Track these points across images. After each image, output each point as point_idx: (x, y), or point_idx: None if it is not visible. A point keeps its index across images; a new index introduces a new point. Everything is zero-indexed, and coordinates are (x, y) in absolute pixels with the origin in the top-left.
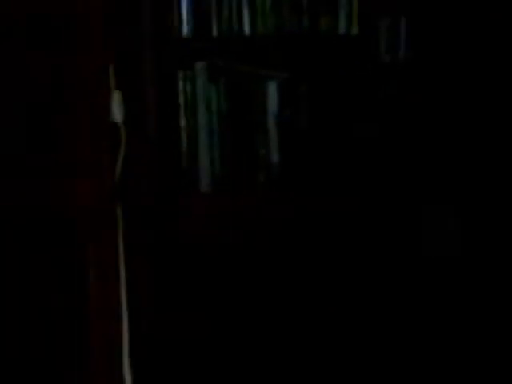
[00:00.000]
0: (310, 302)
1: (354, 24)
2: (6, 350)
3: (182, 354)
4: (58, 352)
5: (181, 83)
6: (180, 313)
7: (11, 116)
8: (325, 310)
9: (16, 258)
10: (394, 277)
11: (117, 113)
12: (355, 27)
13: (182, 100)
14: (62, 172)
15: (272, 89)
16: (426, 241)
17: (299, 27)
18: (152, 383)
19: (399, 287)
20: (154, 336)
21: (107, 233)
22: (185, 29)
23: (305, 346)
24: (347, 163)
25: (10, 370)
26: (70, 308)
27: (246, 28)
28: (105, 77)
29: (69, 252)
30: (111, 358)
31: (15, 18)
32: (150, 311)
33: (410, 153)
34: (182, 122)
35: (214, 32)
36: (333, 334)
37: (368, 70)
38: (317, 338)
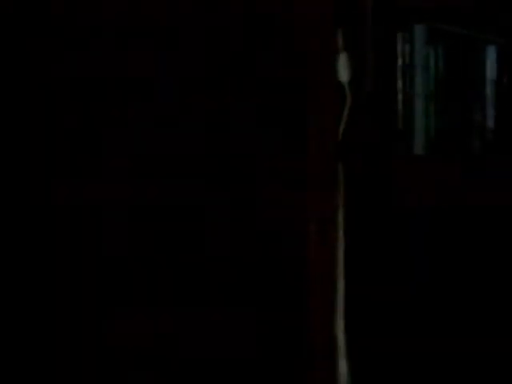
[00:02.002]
0: None
1: None
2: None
3: (395, 315)
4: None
5: (399, 45)
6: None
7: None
8: None
9: None
10: None
11: (343, 74)
12: None
13: (399, 62)
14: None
15: (491, 54)
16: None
17: None
18: (365, 342)
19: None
20: (368, 297)
21: (329, 192)
22: None
23: None
24: None
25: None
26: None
27: None
28: (333, 38)
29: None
30: (327, 317)
31: None
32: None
33: None
34: (399, 84)
35: None
36: None
37: None
38: None
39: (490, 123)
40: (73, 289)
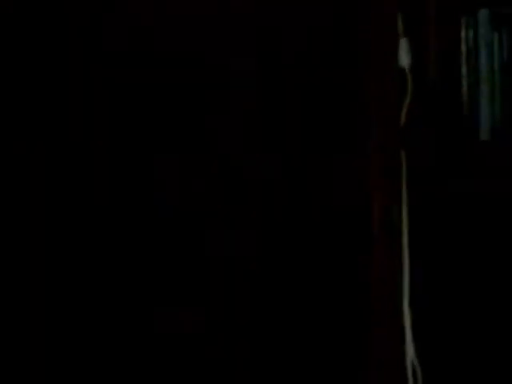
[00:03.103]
0: None
1: None
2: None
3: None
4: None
5: (463, 30)
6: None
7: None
8: None
9: None
10: None
11: (404, 59)
12: None
13: (463, 47)
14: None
15: None
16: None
17: None
18: (431, 330)
19: None
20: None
21: (391, 179)
22: None
23: None
24: None
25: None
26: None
27: None
28: (393, 24)
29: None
30: (391, 305)
31: None
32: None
33: None
34: (463, 70)
35: None
36: None
37: None
38: None
39: None
40: None
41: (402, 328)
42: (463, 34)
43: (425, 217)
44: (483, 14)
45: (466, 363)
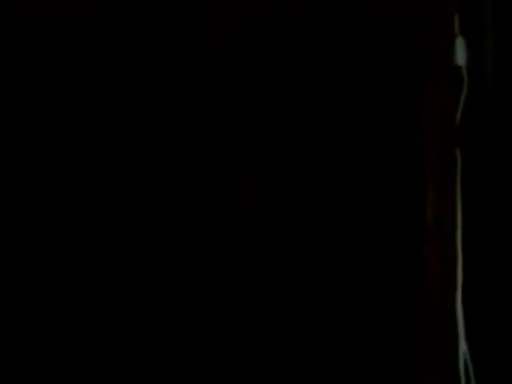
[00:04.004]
0: None
1: None
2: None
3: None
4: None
5: None
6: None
7: None
8: None
9: None
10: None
11: (460, 57)
12: None
13: None
14: None
15: None
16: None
17: None
18: (482, 316)
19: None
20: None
21: (447, 176)
22: None
23: None
24: None
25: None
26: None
27: None
28: (451, 23)
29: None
30: (445, 294)
31: None
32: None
33: None
34: None
35: None
36: None
37: None
38: None
39: None
40: None
41: (455, 322)
42: None
43: (478, 213)
44: None
45: None
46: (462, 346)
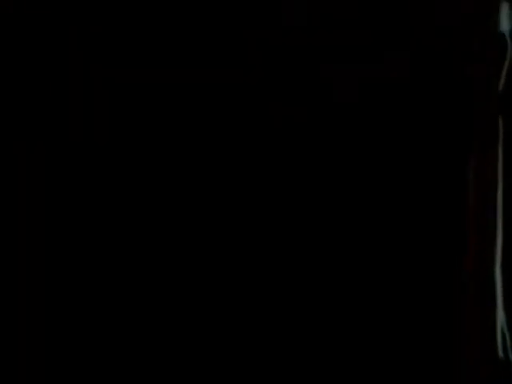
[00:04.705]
0: None
1: None
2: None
3: None
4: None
5: None
6: None
7: None
8: None
9: None
10: None
11: (504, 23)
12: None
13: None
14: None
15: None
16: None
17: None
18: None
19: None
20: None
21: (489, 144)
22: None
23: None
24: None
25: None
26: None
27: None
28: None
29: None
30: (484, 272)
31: None
32: None
33: None
34: None
35: None
36: None
37: None
38: None
39: None
40: None
41: (494, 294)
42: None
43: None
44: None
45: None
46: (500, 315)
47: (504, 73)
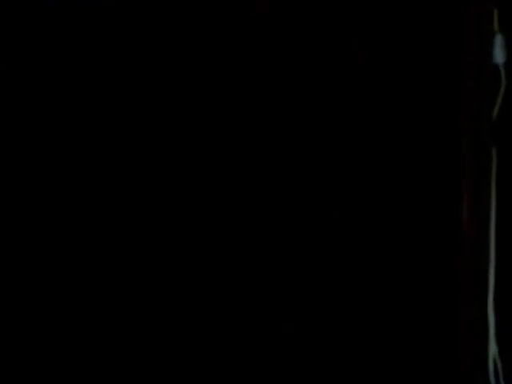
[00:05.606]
0: None
1: None
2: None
3: None
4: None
5: None
6: None
7: None
8: None
9: None
10: None
11: (499, 55)
12: None
13: None
14: None
15: None
16: None
17: None
18: None
19: None
20: None
21: (481, 173)
22: None
23: None
24: None
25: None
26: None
27: None
28: (489, 20)
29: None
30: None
31: None
32: None
33: None
34: None
35: None
36: None
37: None
38: None
39: None
40: None
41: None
42: None
43: None
44: None
45: None
46: (493, 347)
47: (498, 103)
